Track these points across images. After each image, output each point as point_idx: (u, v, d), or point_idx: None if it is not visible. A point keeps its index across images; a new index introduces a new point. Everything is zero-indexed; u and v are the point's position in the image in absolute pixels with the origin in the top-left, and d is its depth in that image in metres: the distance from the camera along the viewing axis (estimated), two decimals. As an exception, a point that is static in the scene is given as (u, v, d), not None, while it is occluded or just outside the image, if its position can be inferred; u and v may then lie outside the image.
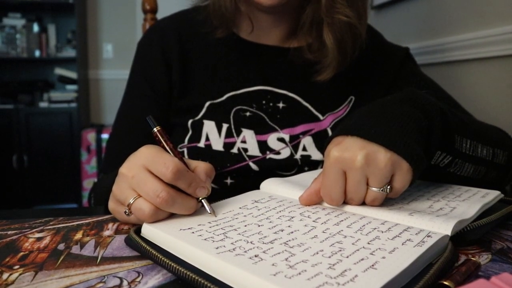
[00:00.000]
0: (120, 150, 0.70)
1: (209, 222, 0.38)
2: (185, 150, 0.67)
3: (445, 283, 0.28)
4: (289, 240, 0.33)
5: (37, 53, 2.96)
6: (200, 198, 0.41)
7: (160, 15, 0.91)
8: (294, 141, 0.67)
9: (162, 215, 0.40)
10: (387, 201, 0.43)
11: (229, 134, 0.66)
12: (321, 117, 0.69)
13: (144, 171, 0.39)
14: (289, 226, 0.37)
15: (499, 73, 1.03)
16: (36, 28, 2.97)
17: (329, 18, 0.62)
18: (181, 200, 0.39)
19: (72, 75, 2.97)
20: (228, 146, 0.66)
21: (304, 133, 0.68)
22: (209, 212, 0.40)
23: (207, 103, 0.67)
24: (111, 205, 0.44)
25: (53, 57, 2.99)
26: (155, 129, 0.44)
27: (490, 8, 1.05)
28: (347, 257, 0.30)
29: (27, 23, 2.94)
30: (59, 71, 2.99)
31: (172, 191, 0.38)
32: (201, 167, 0.42)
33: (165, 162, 0.38)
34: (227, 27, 0.68)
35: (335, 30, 0.63)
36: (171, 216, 0.40)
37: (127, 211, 0.40)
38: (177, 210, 0.39)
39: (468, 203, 0.43)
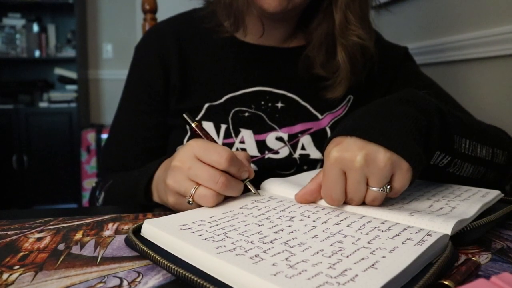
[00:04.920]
0: (118, 153, 0.71)
1: (209, 222, 0.38)
2: None
3: (445, 282, 0.28)
4: (289, 240, 0.33)
5: (37, 53, 2.96)
6: (245, 181, 0.46)
7: (160, 15, 0.91)
8: (293, 140, 0.67)
9: (220, 199, 0.44)
10: (387, 201, 0.43)
11: (227, 135, 0.66)
12: (319, 116, 0.69)
13: (198, 162, 0.43)
14: (289, 226, 0.37)
15: (499, 73, 1.03)
16: (36, 28, 2.97)
17: (344, 39, 0.63)
18: (234, 183, 0.44)
19: (72, 75, 2.97)
20: (226, 147, 0.66)
21: (303, 132, 0.68)
22: (254, 192, 0.47)
23: (206, 105, 0.67)
24: (172, 199, 0.46)
25: (53, 57, 2.99)
26: (193, 125, 0.49)
27: (490, 8, 1.05)
28: (347, 256, 0.30)
29: (27, 23, 2.94)
30: (59, 71, 2.99)
31: (227, 175, 0.43)
32: (240, 155, 0.47)
33: (218, 151, 0.42)
34: (234, 25, 0.65)
35: (348, 50, 0.64)
36: (171, 215, 0.40)
37: (190, 200, 0.43)
38: (232, 192, 0.44)
39: (468, 202, 0.43)
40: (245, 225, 0.37)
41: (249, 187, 0.47)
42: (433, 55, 1.26)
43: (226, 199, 0.46)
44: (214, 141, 0.48)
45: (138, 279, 0.31)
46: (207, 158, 0.43)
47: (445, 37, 1.22)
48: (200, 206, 0.43)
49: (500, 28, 1.00)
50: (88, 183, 2.75)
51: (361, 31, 0.63)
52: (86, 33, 3.15)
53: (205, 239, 0.34)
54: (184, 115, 0.49)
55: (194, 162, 0.43)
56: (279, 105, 0.68)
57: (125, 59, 3.16)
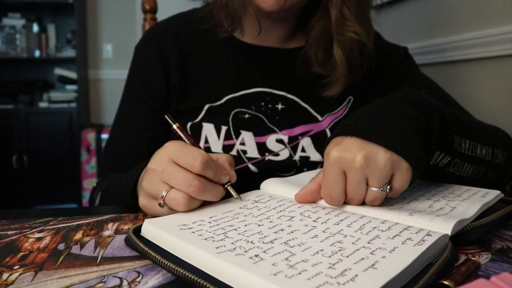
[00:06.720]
0: (119, 153, 0.71)
1: (209, 222, 0.38)
2: None
3: (445, 282, 0.28)
4: (289, 240, 0.33)
5: (37, 53, 2.95)
6: (226, 186, 0.44)
7: (160, 15, 0.91)
8: (293, 143, 0.67)
9: (195, 204, 0.42)
10: (387, 201, 0.43)
11: (228, 136, 0.66)
12: (319, 118, 0.69)
13: (173, 164, 0.42)
14: (289, 226, 0.37)
15: (499, 73, 1.03)
16: (35, 28, 2.97)
17: (340, 35, 0.63)
18: (211, 187, 0.42)
19: (72, 75, 2.97)
20: (227, 148, 0.66)
21: (303, 134, 0.68)
22: (235, 197, 0.45)
23: (206, 106, 0.67)
24: (142, 200, 0.45)
25: (53, 57, 2.98)
26: (174, 126, 0.48)
27: (490, 8, 1.05)
28: (347, 256, 0.30)
29: (27, 23, 2.94)
30: (59, 71, 2.99)
31: (202, 179, 0.41)
32: (222, 157, 0.45)
33: (193, 154, 0.41)
34: (232, 25, 0.65)
35: (345, 47, 0.63)
36: (171, 215, 0.41)
37: (161, 202, 0.42)
38: (208, 197, 0.42)
39: (468, 202, 0.43)
40: (245, 225, 0.37)
41: (231, 191, 0.45)
42: (433, 55, 1.26)
43: (226, 199, 0.46)
44: (195, 144, 0.47)
45: (138, 279, 0.31)
46: (181, 160, 0.42)
47: (445, 37, 1.22)
48: (172, 210, 0.42)
49: (500, 28, 1.00)
50: (88, 183, 2.75)
51: (358, 27, 0.62)
52: (86, 33, 3.14)
53: (205, 239, 0.34)
54: (166, 116, 0.48)
55: (168, 164, 0.42)
56: (279, 106, 0.68)
57: (125, 59, 3.15)
